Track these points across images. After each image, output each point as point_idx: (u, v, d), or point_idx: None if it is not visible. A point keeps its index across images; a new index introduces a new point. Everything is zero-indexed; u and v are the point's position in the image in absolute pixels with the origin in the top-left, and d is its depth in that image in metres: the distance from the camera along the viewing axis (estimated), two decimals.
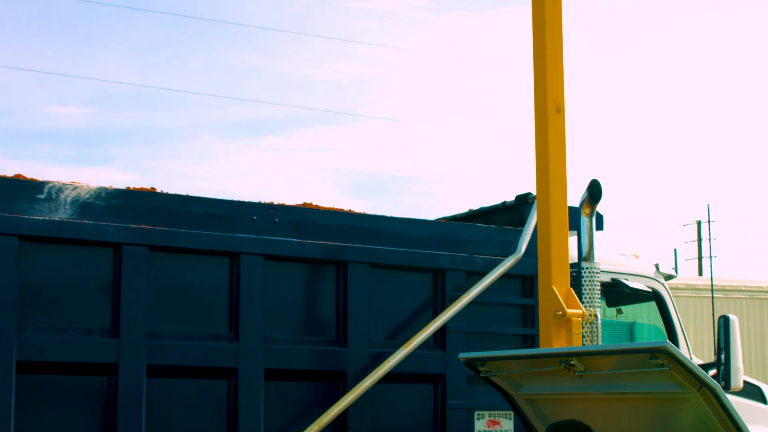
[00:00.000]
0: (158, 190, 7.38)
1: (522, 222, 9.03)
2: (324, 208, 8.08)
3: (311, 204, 8.06)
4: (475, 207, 9.74)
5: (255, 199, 7.67)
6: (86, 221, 7.02)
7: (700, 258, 48.42)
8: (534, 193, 8.39)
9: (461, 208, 10.17)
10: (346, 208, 8.14)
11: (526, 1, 7.88)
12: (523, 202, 9.12)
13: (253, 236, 7.57)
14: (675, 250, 57.28)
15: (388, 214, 8.27)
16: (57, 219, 6.92)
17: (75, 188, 7.05)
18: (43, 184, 6.96)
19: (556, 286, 7.60)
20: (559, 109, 7.76)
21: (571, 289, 7.71)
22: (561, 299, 7.56)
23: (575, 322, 7.57)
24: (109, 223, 7.06)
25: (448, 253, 8.43)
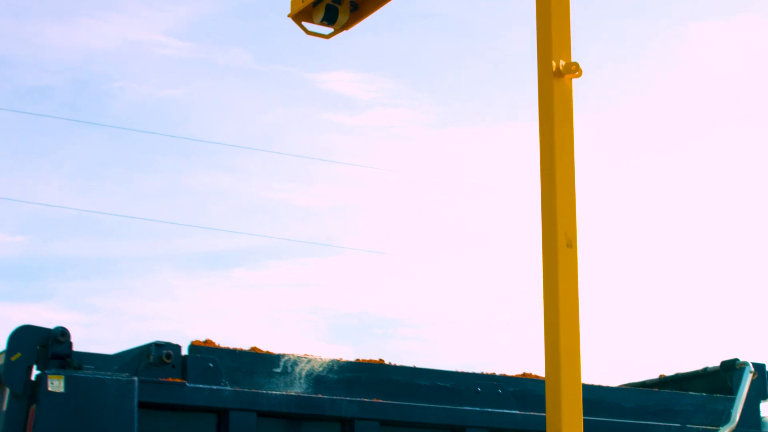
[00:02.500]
0: (385, 362, 7.31)
1: (724, 389, 8.78)
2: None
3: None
4: (669, 372, 9.47)
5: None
6: (320, 395, 6.98)
7: None
8: (740, 359, 8.14)
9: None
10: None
11: (534, 117, 7.22)
12: (730, 368, 8.88)
13: (477, 408, 7.49)
14: None
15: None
16: (293, 393, 6.89)
17: (309, 361, 7.07)
18: (279, 357, 6.98)
19: None
20: (571, 244, 6.90)
21: None
22: None
23: None
24: (343, 398, 7.03)
25: (663, 424, 8.21)
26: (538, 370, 8.73)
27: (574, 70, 7.03)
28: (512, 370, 8.02)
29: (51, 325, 6.50)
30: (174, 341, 6.81)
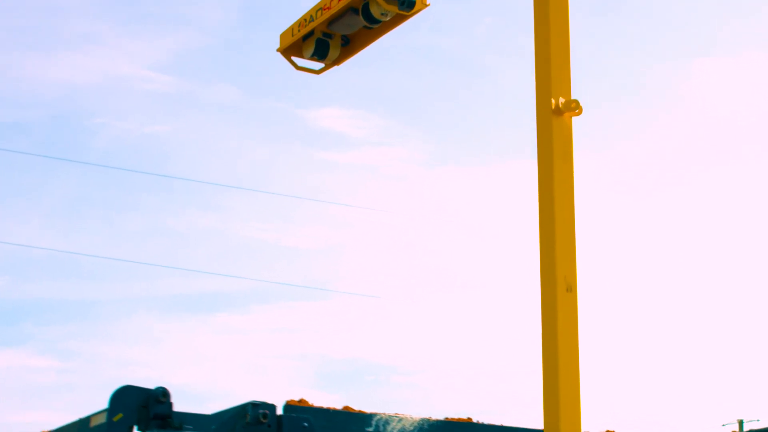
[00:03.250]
0: (473, 420, 7.40)
1: None
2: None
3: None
4: None
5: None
6: None
7: None
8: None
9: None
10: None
11: (532, 155, 7.02)
12: None
13: None
14: None
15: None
16: None
17: (400, 420, 7.14)
18: (371, 416, 7.08)
19: None
20: (571, 288, 6.77)
21: None
22: None
23: None
24: None
25: None
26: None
27: (574, 107, 6.84)
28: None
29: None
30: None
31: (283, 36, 8.20)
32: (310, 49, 8.01)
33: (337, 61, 8.14)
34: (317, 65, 8.16)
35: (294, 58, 8.21)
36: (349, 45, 8.08)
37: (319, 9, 7.89)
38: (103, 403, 6.90)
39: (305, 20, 8.00)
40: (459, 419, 7.36)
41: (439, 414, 9.19)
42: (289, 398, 7.03)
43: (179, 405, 6.84)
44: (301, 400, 7.01)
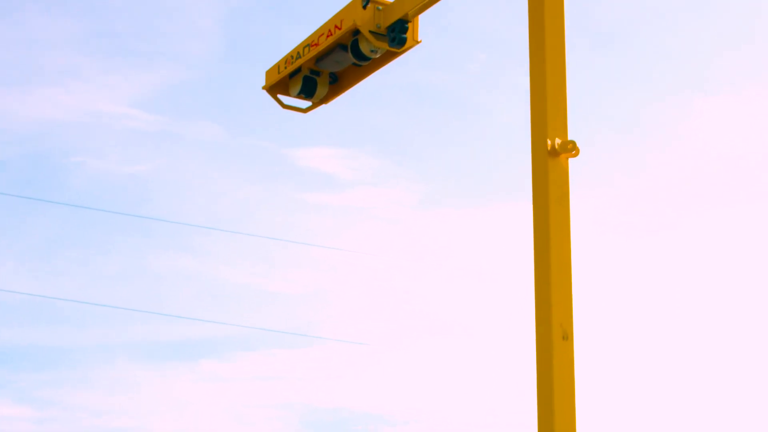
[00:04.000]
0: None
1: None
2: None
3: None
4: None
5: None
6: None
7: None
8: None
9: None
10: None
11: (527, 198, 6.81)
12: None
13: None
14: None
15: None
16: None
17: None
18: None
19: None
20: (567, 336, 6.50)
21: None
22: None
23: None
24: None
25: None
26: None
27: (571, 149, 6.59)
28: None
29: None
30: None
31: (269, 73, 7.94)
32: (297, 87, 7.76)
33: (324, 100, 7.88)
34: (304, 103, 7.93)
35: (280, 96, 7.96)
36: (338, 83, 7.83)
37: (306, 45, 7.64)
38: None
39: (292, 57, 7.75)
40: None
41: None
42: None
43: None
44: None
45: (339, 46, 7.44)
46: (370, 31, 7.24)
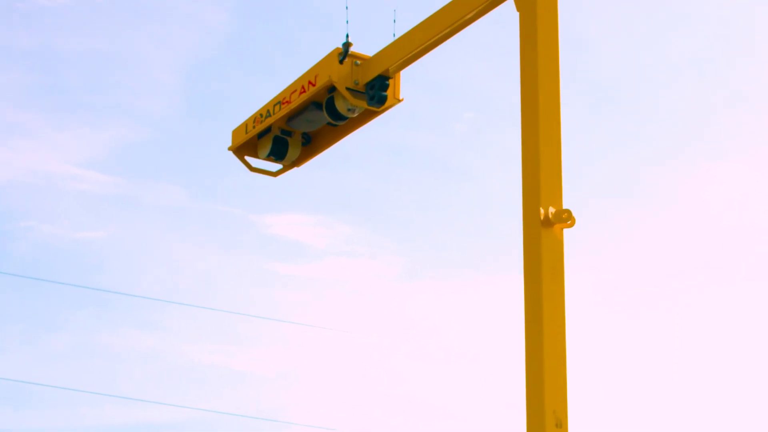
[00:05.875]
0: None
1: None
2: None
3: None
4: None
5: None
6: None
7: None
8: None
9: None
10: None
11: (518, 270, 6.42)
12: None
13: None
14: None
15: None
16: None
17: None
18: None
19: None
20: (561, 424, 6.17)
21: None
22: None
23: None
24: None
25: None
26: None
27: (566, 218, 6.15)
28: None
29: None
30: None
31: (235, 132, 7.50)
32: (267, 148, 7.34)
33: (296, 162, 7.48)
34: (274, 166, 7.55)
35: (248, 158, 7.56)
36: (311, 144, 7.42)
37: (276, 103, 7.21)
38: None
39: (261, 115, 7.32)
40: None
41: None
42: None
43: None
44: None
45: (313, 104, 7.05)
46: (347, 88, 6.84)
